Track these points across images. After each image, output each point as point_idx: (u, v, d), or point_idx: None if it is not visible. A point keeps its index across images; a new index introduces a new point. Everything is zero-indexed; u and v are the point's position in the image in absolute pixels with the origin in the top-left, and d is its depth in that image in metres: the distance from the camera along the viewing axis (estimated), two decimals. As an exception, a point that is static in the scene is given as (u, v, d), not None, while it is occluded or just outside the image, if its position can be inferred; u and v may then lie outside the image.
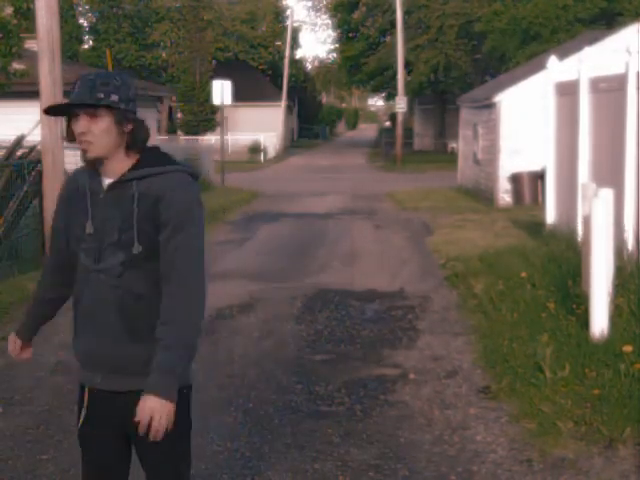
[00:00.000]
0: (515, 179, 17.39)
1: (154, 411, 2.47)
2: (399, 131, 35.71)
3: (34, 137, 10.88)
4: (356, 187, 23.85)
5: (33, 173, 10.47)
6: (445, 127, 44.56)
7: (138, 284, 2.58)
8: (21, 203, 10.27)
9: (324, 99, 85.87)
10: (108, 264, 2.58)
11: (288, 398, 5.63)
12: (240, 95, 37.09)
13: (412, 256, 11.70)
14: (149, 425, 2.45)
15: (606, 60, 12.19)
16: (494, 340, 6.65)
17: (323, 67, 74.49)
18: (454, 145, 36.41)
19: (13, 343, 3.01)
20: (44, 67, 10.33)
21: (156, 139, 24.61)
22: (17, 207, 10.16)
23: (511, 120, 17.48)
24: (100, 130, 2.56)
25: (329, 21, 51.06)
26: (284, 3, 54.73)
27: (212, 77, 33.90)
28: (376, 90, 51.68)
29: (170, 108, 41.00)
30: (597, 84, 10.42)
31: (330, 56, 59.27)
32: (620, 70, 9.35)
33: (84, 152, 2.59)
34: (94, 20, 45.46)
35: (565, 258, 8.82)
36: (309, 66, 76.04)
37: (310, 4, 52.82)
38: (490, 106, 18.47)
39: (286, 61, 46.02)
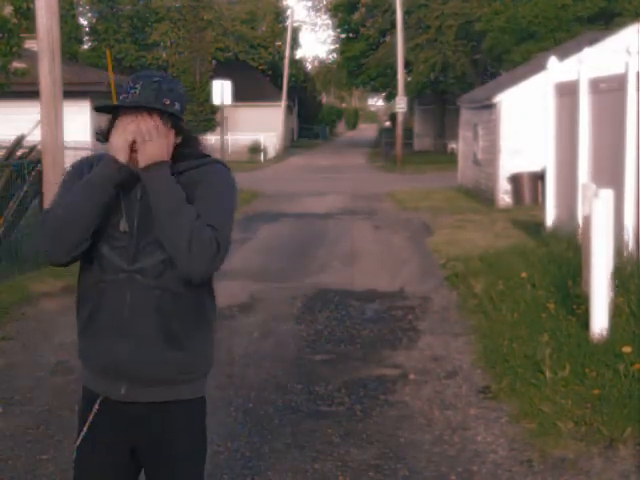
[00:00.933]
0: (515, 179, 17.39)
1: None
2: (399, 131, 35.71)
3: (34, 137, 10.88)
4: (356, 187, 23.85)
5: (33, 173, 10.47)
6: (445, 127, 44.57)
7: (176, 284, 2.42)
8: (21, 203, 10.27)
9: (324, 99, 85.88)
10: (146, 264, 2.41)
11: (288, 398, 5.63)
12: (240, 95, 37.09)
13: (412, 256, 11.70)
14: None
15: (606, 60, 12.18)
16: (494, 340, 6.65)
17: (323, 67, 74.49)
18: (454, 145, 36.40)
19: None
20: (44, 67, 10.33)
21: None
22: (17, 207, 10.16)
23: (511, 120, 17.48)
24: (159, 133, 2.42)
25: (329, 21, 51.09)
26: (284, 3, 54.74)
27: (212, 77, 33.91)
28: (376, 90, 51.71)
29: (170, 108, 40.92)
30: (597, 84, 10.42)
31: (330, 56, 59.27)
32: (620, 70, 9.35)
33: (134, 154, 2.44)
34: (94, 20, 45.45)
35: (565, 258, 8.82)
36: (309, 66, 76.09)
37: (310, 4, 52.83)
38: (490, 106, 18.47)
39: (286, 61, 46.03)
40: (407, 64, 38.91)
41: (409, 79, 40.91)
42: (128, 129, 2.38)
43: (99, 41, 44.05)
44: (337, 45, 49.34)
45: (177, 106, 2.43)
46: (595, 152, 10.48)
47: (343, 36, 47.06)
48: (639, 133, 8.87)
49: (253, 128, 41.58)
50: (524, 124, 17.04)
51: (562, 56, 14.85)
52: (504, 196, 17.79)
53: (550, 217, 12.18)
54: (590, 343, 6.11)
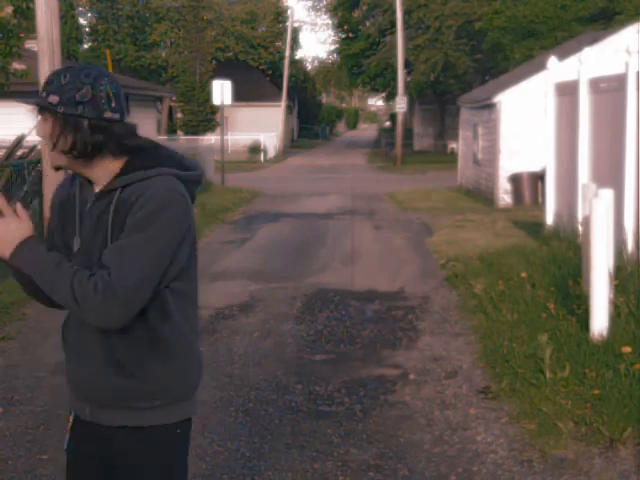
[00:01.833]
0: (515, 179, 17.39)
1: None
2: (399, 131, 35.71)
3: (34, 137, 10.86)
4: (356, 187, 23.84)
5: (33, 173, 10.48)
6: (445, 127, 44.56)
7: None
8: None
9: (324, 99, 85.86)
10: None
11: (288, 398, 5.63)
12: (240, 95, 37.09)
13: (412, 256, 11.70)
14: None
15: (606, 60, 12.19)
16: (494, 340, 6.65)
17: (323, 67, 74.47)
18: (454, 145, 36.40)
19: None
20: (44, 67, 10.33)
21: (156, 139, 24.64)
22: (17, 207, 10.15)
23: (511, 120, 17.48)
24: (45, 134, 2.24)
25: (329, 21, 51.07)
26: (284, 3, 54.66)
27: (212, 77, 33.89)
28: (376, 90, 51.69)
29: (170, 108, 40.99)
30: (597, 84, 10.42)
31: (330, 56, 59.27)
32: (620, 70, 9.35)
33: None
34: (93, 20, 45.44)
35: (565, 258, 8.82)
36: (309, 66, 76.05)
37: (310, 4, 52.77)
38: (490, 106, 18.47)
39: (286, 61, 46.02)
40: (407, 64, 38.90)
41: (409, 79, 40.89)
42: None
43: (99, 41, 44.04)
44: (337, 45, 49.32)
45: (52, 98, 2.19)
46: (595, 152, 10.48)
47: (343, 35, 47.04)
48: (639, 133, 8.86)
49: (253, 128, 41.58)
50: (524, 124, 17.05)
51: (562, 56, 14.85)
52: (504, 196, 17.80)
53: (550, 217, 12.18)
54: (590, 343, 6.10)
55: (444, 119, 44.60)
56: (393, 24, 37.30)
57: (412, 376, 6.10)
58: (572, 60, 13.10)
